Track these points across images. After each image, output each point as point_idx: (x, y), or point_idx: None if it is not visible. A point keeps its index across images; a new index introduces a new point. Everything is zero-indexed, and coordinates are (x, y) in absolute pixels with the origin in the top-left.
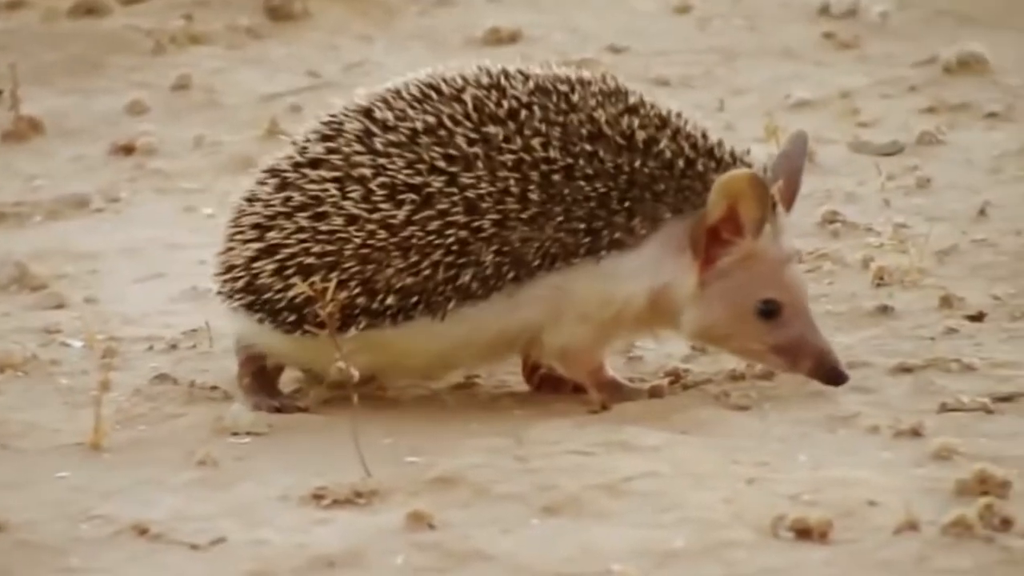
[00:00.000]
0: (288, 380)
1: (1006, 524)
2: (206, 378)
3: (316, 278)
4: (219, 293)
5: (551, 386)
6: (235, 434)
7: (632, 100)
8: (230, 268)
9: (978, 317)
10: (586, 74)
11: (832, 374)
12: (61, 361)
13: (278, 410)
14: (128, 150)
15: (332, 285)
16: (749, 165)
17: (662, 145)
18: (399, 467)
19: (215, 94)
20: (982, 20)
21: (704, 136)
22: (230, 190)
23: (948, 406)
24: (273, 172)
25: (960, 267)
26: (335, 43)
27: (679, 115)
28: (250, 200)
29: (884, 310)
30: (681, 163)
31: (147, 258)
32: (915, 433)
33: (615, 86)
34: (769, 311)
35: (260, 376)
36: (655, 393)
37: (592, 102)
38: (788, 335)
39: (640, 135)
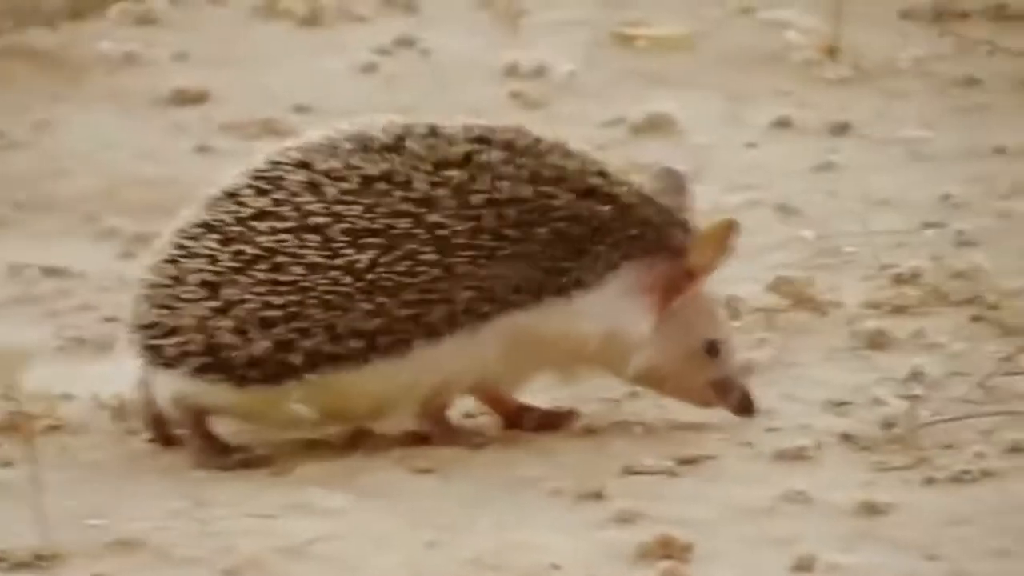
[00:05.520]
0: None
1: None
2: None
3: (280, 329)
4: (151, 356)
5: (548, 424)
6: None
7: (569, 147)
8: (171, 331)
9: None
10: (506, 124)
11: (752, 407)
12: None
13: (245, 465)
14: None
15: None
16: (685, 215)
17: (617, 192)
18: (80, 530)
19: None
20: (670, 80)
21: (640, 184)
22: None
23: (631, 469)
24: (209, 227)
25: None
26: (23, 103)
27: (609, 164)
28: (186, 256)
29: None
30: (638, 212)
31: None
32: (598, 496)
33: (544, 135)
34: (714, 349)
35: (210, 437)
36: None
37: (539, 147)
38: (723, 371)
39: (595, 181)
